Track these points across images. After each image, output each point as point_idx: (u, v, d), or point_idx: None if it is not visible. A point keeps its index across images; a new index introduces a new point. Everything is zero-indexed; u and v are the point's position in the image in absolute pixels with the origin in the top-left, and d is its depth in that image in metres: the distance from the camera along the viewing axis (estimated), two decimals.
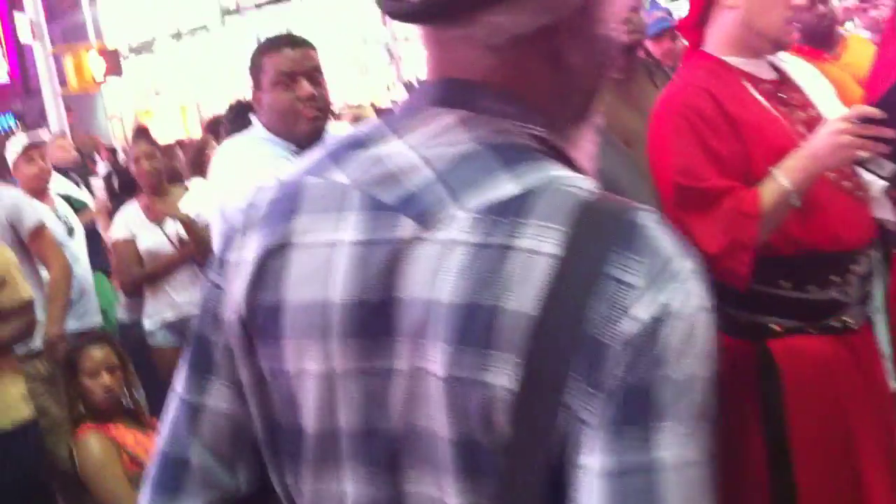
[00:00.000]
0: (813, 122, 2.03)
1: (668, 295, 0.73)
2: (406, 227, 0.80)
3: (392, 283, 0.80)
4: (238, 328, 0.88)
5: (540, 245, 0.75)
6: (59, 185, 5.06)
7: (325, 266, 0.83)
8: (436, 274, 0.78)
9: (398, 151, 0.84)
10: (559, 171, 0.81)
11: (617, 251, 0.75)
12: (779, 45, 2.06)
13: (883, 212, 2.11)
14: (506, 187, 0.79)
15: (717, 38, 2.07)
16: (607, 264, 0.74)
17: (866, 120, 1.86)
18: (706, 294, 0.76)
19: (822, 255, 1.99)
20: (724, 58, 2.05)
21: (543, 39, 0.82)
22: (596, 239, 0.76)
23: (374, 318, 0.81)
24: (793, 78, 2.13)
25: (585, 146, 0.91)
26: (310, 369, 0.84)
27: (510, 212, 0.77)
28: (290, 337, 0.84)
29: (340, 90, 11.56)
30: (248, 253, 0.87)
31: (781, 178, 1.92)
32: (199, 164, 4.85)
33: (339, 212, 0.84)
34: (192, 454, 0.90)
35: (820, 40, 3.53)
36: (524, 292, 0.75)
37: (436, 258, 0.78)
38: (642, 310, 0.73)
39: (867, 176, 2.00)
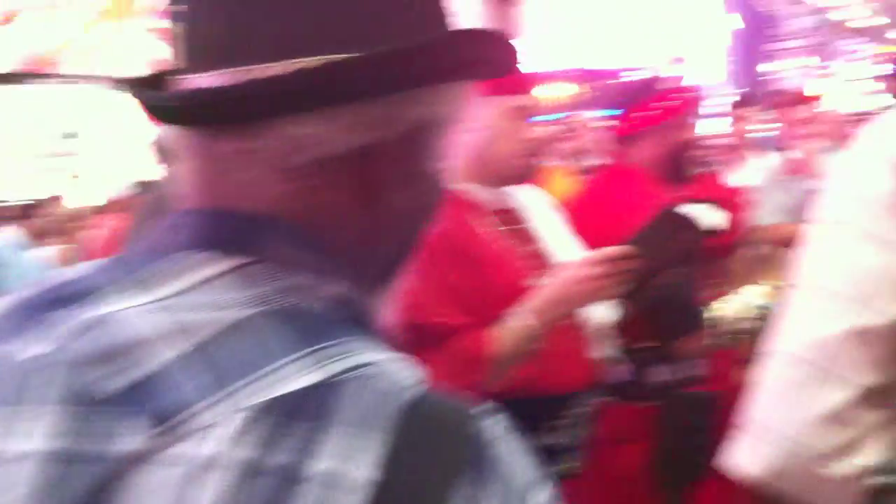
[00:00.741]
0: (539, 256, 2.01)
1: None
2: (133, 433, 0.53)
3: None
4: None
5: (349, 468, 0.52)
6: None
7: (6, 491, 0.54)
8: None
9: (130, 315, 0.57)
10: (370, 354, 0.58)
11: (461, 482, 0.53)
12: (513, 177, 2.01)
13: (602, 351, 2.10)
14: (297, 377, 0.54)
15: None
16: (454, 499, 0.53)
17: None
18: None
19: (546, 399, 1.90)
20: (460, 186, 1.95)
21: (356, 165, 0.61)
22: (431, 458, 0.54)
23: None
24: (523, 209, 2.09)
25: (387, 315, 0.69)
26: None
27: (303, 415, 0.53)
28: None
29: None
30: None
31: (522, 322, 1.85)
32: None
33: (22, 404, 0.56)
34: None
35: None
36: None
37: (176, 488, 0.51)
38: None
39: (593, 313, 2.01)
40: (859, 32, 25.98)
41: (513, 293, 1.91)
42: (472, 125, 1.87)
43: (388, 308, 0.69)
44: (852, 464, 1.02)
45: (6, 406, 0.56)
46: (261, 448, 0.51)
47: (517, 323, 1.86)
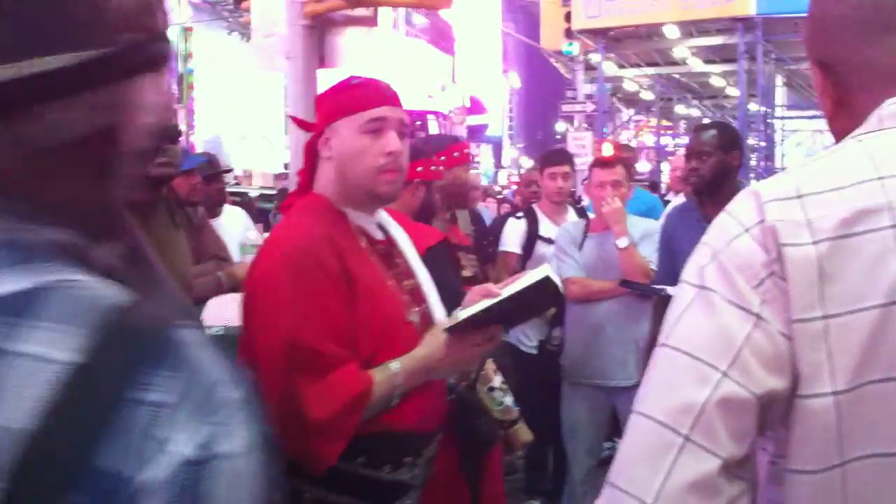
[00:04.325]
0: (416, 291, 2.04)
1: (212, 430, 0.64)
2: None
3: None
4: None
5: (47, 351, 0.64)
6: None
7: None
8: None
9: None
10: (80, 276, 0.70)
11: (150, 370, 0.64)
12: (374, 197, 1.99)
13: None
14: (12, 284, 0.67)
15: (325, 187, 1.99)
16: (137, 384, 0.64)
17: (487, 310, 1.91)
18: (257, 428, 0.67)
19: (401, 436, 1.94)
20: (341, 208, 1.98)
21: (90, 143, 0.75)
22: (127, 350, 0.65)
23: None
24: (398, 242, 2.10)
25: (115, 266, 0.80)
26: None
27: (13, 310, 0.66)
28: None
29: None
30: None
31: (396, 377, 1.87)
32: None
33: None
34: None
35: None
36: (17, 404, 0.62)
37: None
38: (179, 445, 0.63)
39: None
40: (633, 104, 27.93)
41: (388, 331, 1.90)
42: None
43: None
44: None
45: None
46: None
47: (386, 376, 1.86)
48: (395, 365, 1.87)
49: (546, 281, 1.93)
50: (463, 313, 1.92)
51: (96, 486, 0.61)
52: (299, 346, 1.77)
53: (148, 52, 0.79)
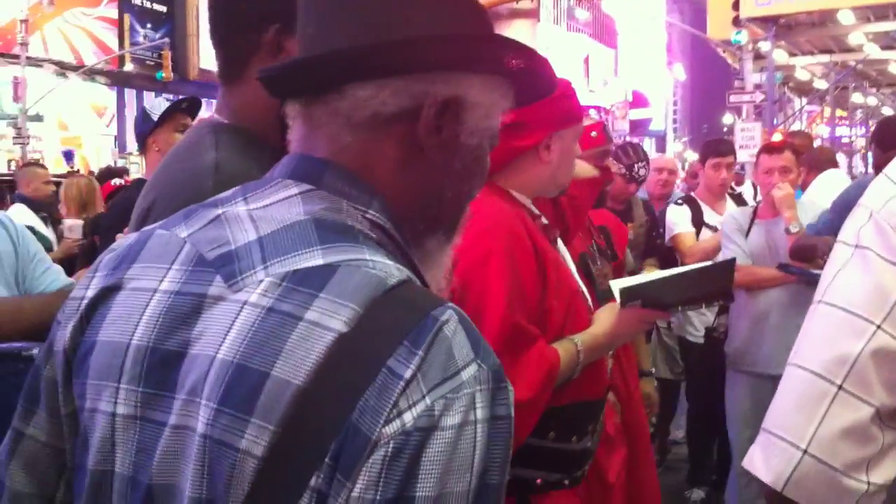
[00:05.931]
0: (561, 264, 2.09)
1: (442, 403, 0.73)
2: (216, 284, 0.82)
3: (187, 336, 0.82)
4: (63, 363, 0.89)
5: (328, 320, 0.76)
6: None
7: (137, 311, 0.86)
8: (225, 333, 0.79)
9: (238, 214, 0.87)
10: (375, 256, 0.82)
11: (406, 344, 0.74)
12: (561, 191, 2.19)
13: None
14: (313, 260, 0.80)
15: (520, 180, 2.10)
16: (391, 356, 0.73)
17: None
18: (493, 403, 0.75)
19: (585, 406, 2.03)
20: (514, 194, 2.11)
21: (402, 126, 0.87)
22: (387, 326, 0.75)
23: (161, 367, 0.82)
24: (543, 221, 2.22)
25: (437, 258, 0.94)
26: (101, 409, 0.85)
27: (308, 283, 0.78)
28: (92, 375, 0.86)
29: None
30: (89, 292, 0.91)
31: (579, 353, 1.95)
32: None
33: (169, 263, 0.87)
34: (8, 478, 0.92)
35: None
36: (297, 362, 0.74)
37: (229, 317, 0.79)
38: (410, 411, 0.72)
39: None
40: (805, 93, 26.76)
41: (573, 304, 2.01)
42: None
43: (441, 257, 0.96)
44: (867, 481, 1.03)
45: (156, 262, 0.88)
46: (277, 299, 0.78)
47: (570, 352, 1.94)
48: (577, 339, 1.96)
49: (730, 265, 1.94)
50: (635, 280, 1.96)
51: (349, 441, 0.71)
52: (518, 326, 1.85)
53: (461, 49, 0.88)
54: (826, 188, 4.88)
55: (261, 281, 0.80)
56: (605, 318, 2.05)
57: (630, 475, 2.30)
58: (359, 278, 0.78)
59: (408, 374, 0.73)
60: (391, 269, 0.80)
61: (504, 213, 1.97)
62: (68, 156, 20.77)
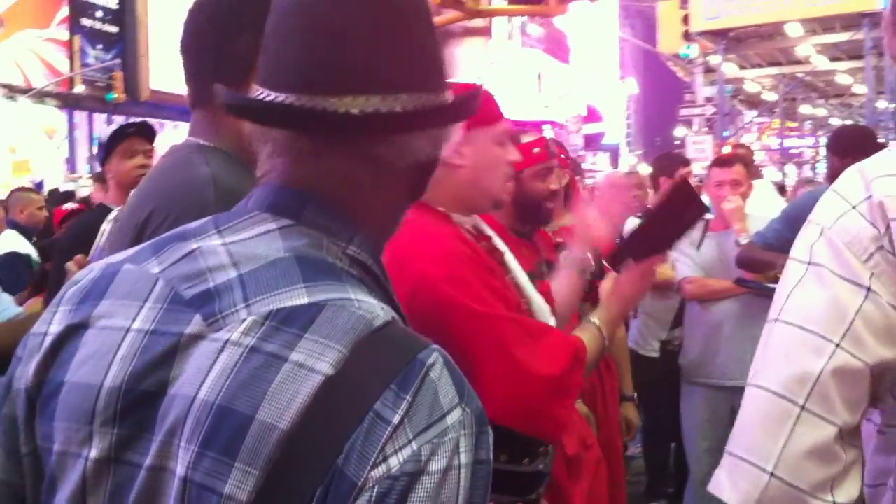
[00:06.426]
0: (517, 286, 2.05)
1: (429, 448, 0.72)
2: (194, 323, 0.80)
3: (164, 376, 0.79)
4: (25, 401, 0.87)
5: (314, 362, 0.75)
6: None
7: (109, 351, 0.83)
8: (205, 372, 0.77)
9: (214, 249, 0.85)
10: (358, 295, 0.81)
11: (393, 388, 0.74)
12: (496, 204, 2.03)
13: None
14: (297, 298, 0.79)
15: (440, 195, 1.90)
16: (378, 399, 0.73)
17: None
18: (476, 448, 0.75)
19: None
20: (449, 214, 1.98)
21: (413, 170, 0.89)
22: (374, 369, 0.75)
23: (137, 408, 0.80)
24: (496, 241, 2.13)
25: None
26: (72, 451, 0.82)
27: (293, 322, 0.77)
28: (61, 416, 0.83)
29: None
30: (52, 327, 0.88)
31: (601, 330, 1.96)
32: None
33: (141, 301, 0.84)
34: None
35: None
36: (282, 406, 0.73)
37: (210, 356, 0.77)
38: (396, 456, 0.72)
39: None
40: (755, 105, 27.17)
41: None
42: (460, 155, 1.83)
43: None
44: (833, 501, 1.03)
45: (126, 299, 0.85)
46: (259, 339, 0.77)
47: (592, 333, 1.95)
48: (594, 318, 1.97)
49: (685, 185, 2.00)
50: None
51: (335, 486, 0.71)
52: (506, 321, 1.80)
53: (468, 104, 0.91)
54: (757, 197, 4.99)
55: (243, 320, 0.78)
56: (608, 289, 2.07)
57: (601, 497, 2.28)
58: (344, 318, 0.77)
59: (395, 419, 0.72)
60: (376, 309, 0.79)
61: (443, 236, 1.87)
62: (39, 186, 20.58)
